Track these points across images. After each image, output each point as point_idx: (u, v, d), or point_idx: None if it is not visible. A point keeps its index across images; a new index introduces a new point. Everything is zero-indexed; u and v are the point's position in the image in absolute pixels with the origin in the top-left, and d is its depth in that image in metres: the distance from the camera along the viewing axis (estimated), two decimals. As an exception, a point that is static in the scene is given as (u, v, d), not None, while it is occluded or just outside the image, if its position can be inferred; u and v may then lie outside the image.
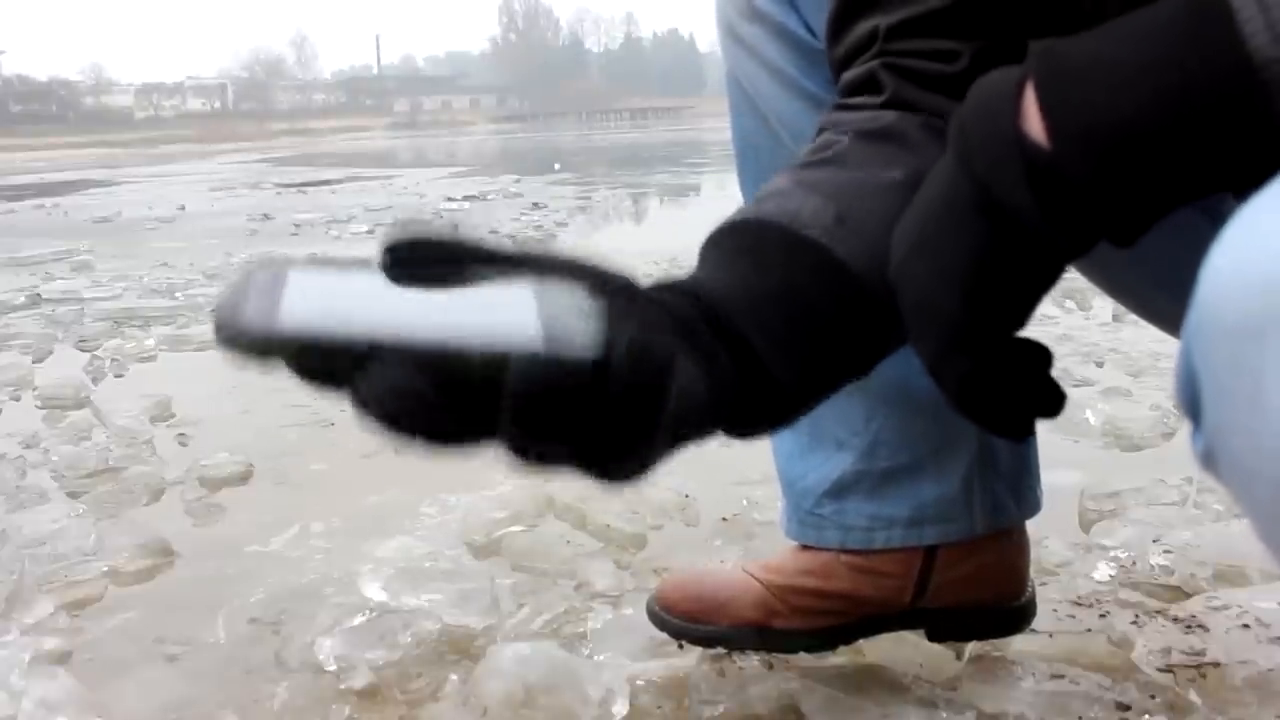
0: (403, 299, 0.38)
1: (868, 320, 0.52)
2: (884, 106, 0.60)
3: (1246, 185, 0.36)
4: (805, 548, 0.92)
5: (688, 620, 0.93)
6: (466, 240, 0.42)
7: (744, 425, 0.49)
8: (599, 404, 0.39)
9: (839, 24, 0.64)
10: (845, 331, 0.52)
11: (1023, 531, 0.91)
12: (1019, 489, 0.89)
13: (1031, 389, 0.47)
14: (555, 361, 0.37)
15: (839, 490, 0.88)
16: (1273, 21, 0.35)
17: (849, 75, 0.63)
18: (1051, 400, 0.48)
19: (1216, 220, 0.48)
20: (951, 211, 0.45)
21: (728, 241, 0.54)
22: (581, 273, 0.44)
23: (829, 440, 0.88)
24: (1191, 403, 0.37)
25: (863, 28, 0.62)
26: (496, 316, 0.38)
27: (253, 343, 0.35)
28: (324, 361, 0.36)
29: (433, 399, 0.37)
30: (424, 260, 0.40)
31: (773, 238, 0.53)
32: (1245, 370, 0.33)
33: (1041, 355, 0.47)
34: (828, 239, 0.53)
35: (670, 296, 0.47)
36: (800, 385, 0.51)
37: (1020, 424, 0.48)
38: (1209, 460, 0.37)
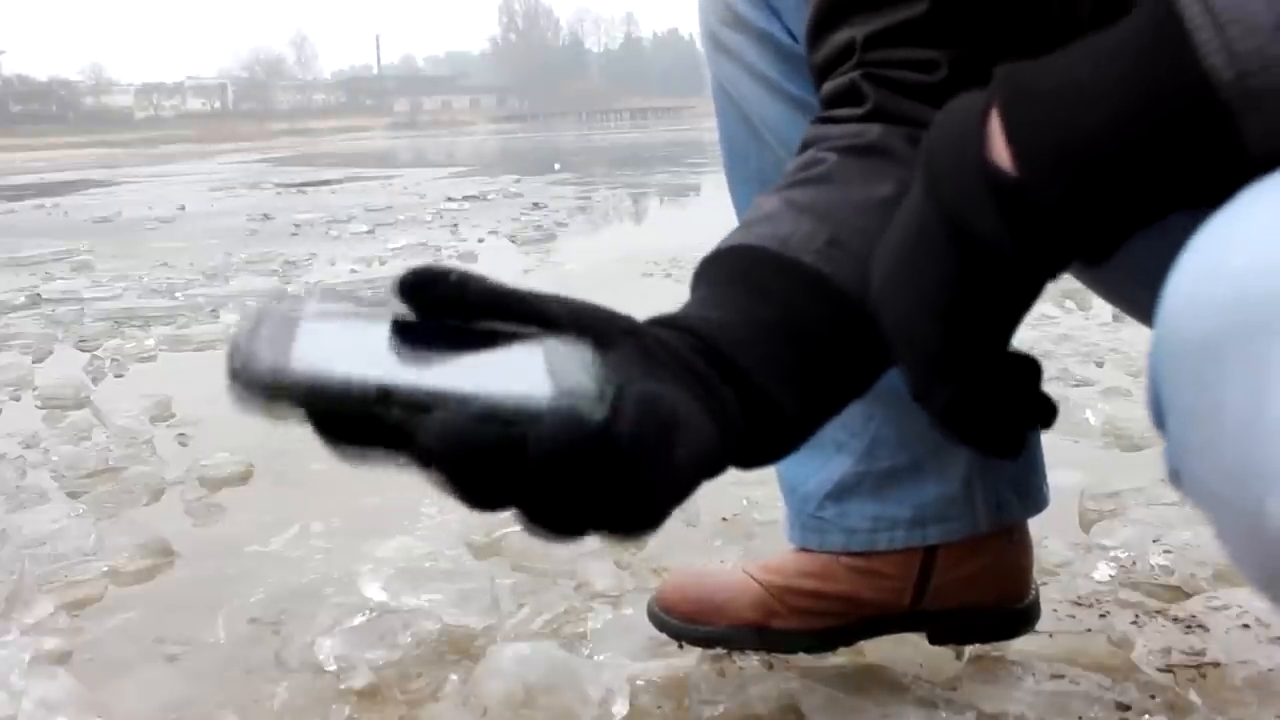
0: (412, 338, 0.37)
1: (865, 341, 0.51)
2: (866, 118, 0.60)
3: (1213, 202, 0.36)
4: (806, 549, 0.92)
5: (687, 621, 0.93)
6: (474, 285, 0.40)
7: (752, 460, 0.50)
8: (612, 459, 0.38)
9: (816, 31, 0.64)
10: (845, 354, 0.52)
11: (1026, 532, 0.91)
12: (1023, 485, 0.89)
13: (1019, 406, 0.47)
14: (571, 416, 0.36)
15: (840, 492, 0.88)
16: (1228, 41, 0.35)
17: (830, 86, 0.63)
18: (1042, 413, 0.48)
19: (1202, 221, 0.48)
20: (923, 240, 0.45)
21: (721, 270, 0.54)
22: (586, 321, 0.43)
23: (828, 443, 0.88)
24: (1159, 420, 0.37)
25: (840, 37, 0.62)
26: (506, 376, 0.37)
27: (263, 389, 0.35)
28: (336, 405, 0.35)
29: (463, 454, 0.36)
30: (432, 305, 0.39)
31: (766, 265, 0.53)
32: (1205, 389, 0.33)
33: (1029, 369, 0.47)
34: (821, 263, 0.53)
35: (670, 336, 0.47)
36: (805, 413, 0.51)
37: (1009, 442, 0.48)
38: (1175, 478, 0.37)
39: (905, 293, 0.47)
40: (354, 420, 0.36)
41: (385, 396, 0.35)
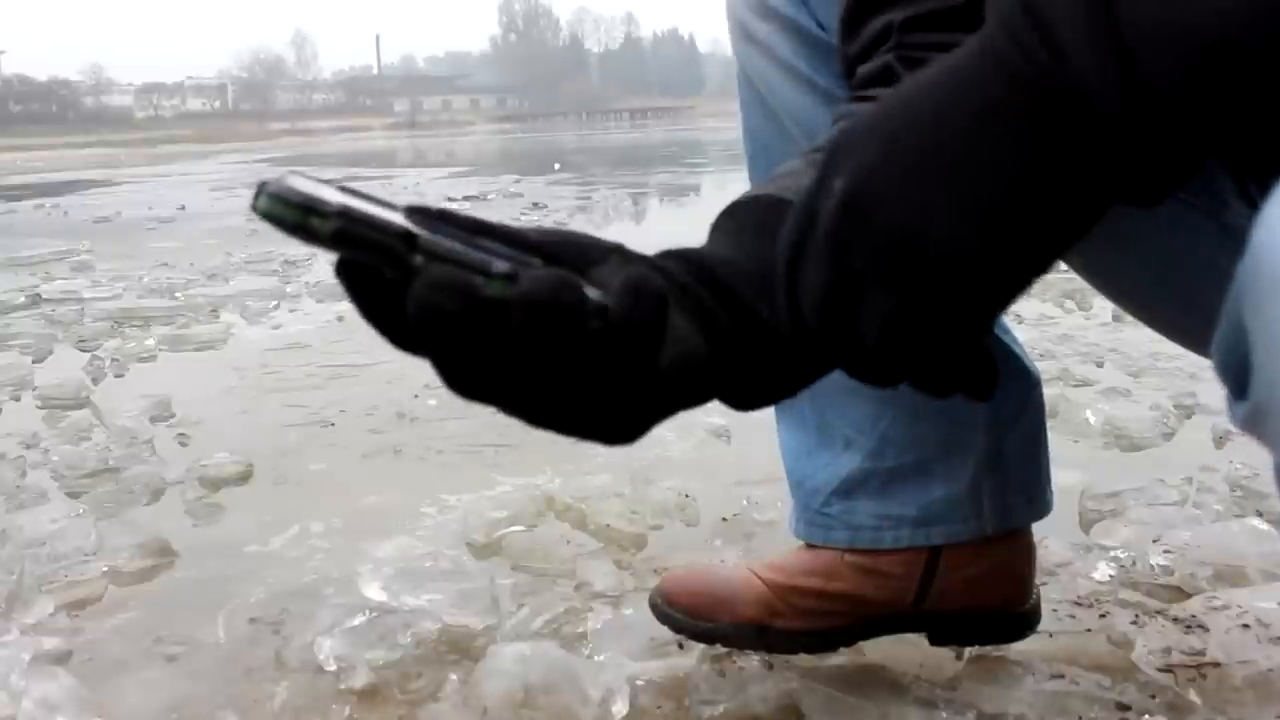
0: (428, 228, 0.39)
1: None
2: None
3: None
4: (811, 546, 0.92)
5: (689, 615, 0.93)
6: (470, 218, 0.41)
7: (744, 390, 0.47)
8: (599, 339, 0.38)
9: (852, 21, 0.63)
10: None
11: (1029, 536, 0.90)
12: (1030, 489, 0.89)
13: (964, 354, 0.43)
14: (562, 285, 0.38)
15: (847, 489, 0.88)
16: None
17: (864, 69, 0.62)
18: (983, 371, 0.44)
19: (1216, 219, 0.48)
20: (989, 119, 0.38)
21: (736, 218, 0.52)
22: (574, 246, 0.43)
23: (837, 439, 0.88)
24: (1238, 365, 0.36)
25: (876, 24, 0.61)
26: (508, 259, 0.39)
27: (299, 205, 0.35)
28: (366, 232, 0.36)
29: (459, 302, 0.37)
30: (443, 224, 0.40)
31: (782, 212, 0.52)
32: None
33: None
34: None
35: (668, 262, 0.46)
36: (802, 345, 0.47)
37: (942, 383, 0.44)
38: (1255, 421, 0.36)
39: (936, 185, 0.39)
40: (373, 254, 0.37)
41: (410, 239, 0.37)
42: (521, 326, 0.37)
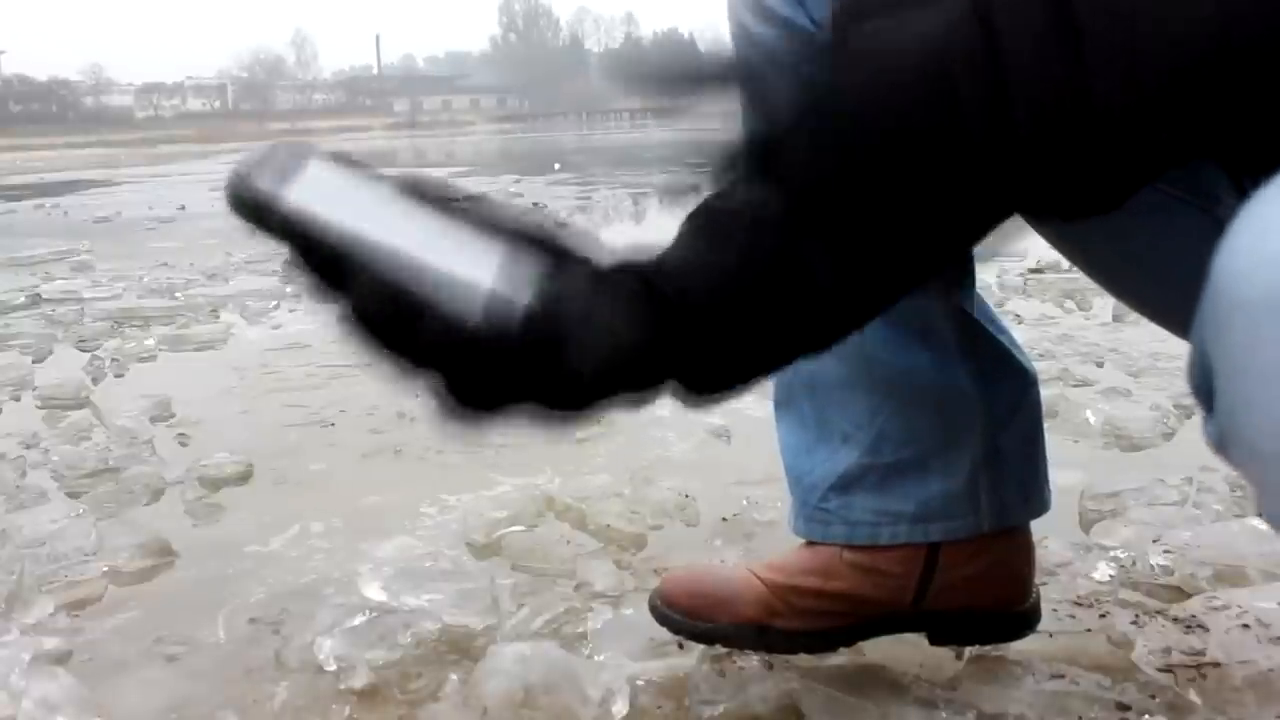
0: (399, 214, 0.41)
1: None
2: None
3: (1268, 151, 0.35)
4: (810, 544, 0.92)
5: (689, 616, 0.93)
6: (469, 196, 0.44)
7: (696, 379, 0.47)
8: (508, 349, 0.41)
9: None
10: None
11: (1028, 535, 0.90)
12: (1027, 487, 0.89)
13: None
14: (491, 299, 0.40)
15: (845, 484, 0.88)
16: None
17: None
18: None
19: (1209, 208, 0.49)
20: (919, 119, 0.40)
21: (696, 220, 0.53)
22: (550, 242, 0.45)
23: (835, 434, 0.88)
24: (1204, 385, 0.37)
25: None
26: (463, 257, 0.41)
27: (253, 208, 0.39)
28: (305, 246, 0.39)
29: (390, 314, 0.39)
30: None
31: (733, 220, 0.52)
32: (1263, 344, 0.33)
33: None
34: None
35: (624, 270, 0.47)
36: (740, 336, 0.47)
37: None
38: (1222, 443, 0.37)
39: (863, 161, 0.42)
40: (322, 260, 0.40)
41: (350, 250, 0.39)
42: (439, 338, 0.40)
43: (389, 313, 0.39)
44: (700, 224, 0.48)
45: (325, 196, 0.39)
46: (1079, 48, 0.37)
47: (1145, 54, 0.36)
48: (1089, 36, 0.37)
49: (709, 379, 0.48)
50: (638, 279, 0.46)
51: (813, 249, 0.43)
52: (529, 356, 0.41)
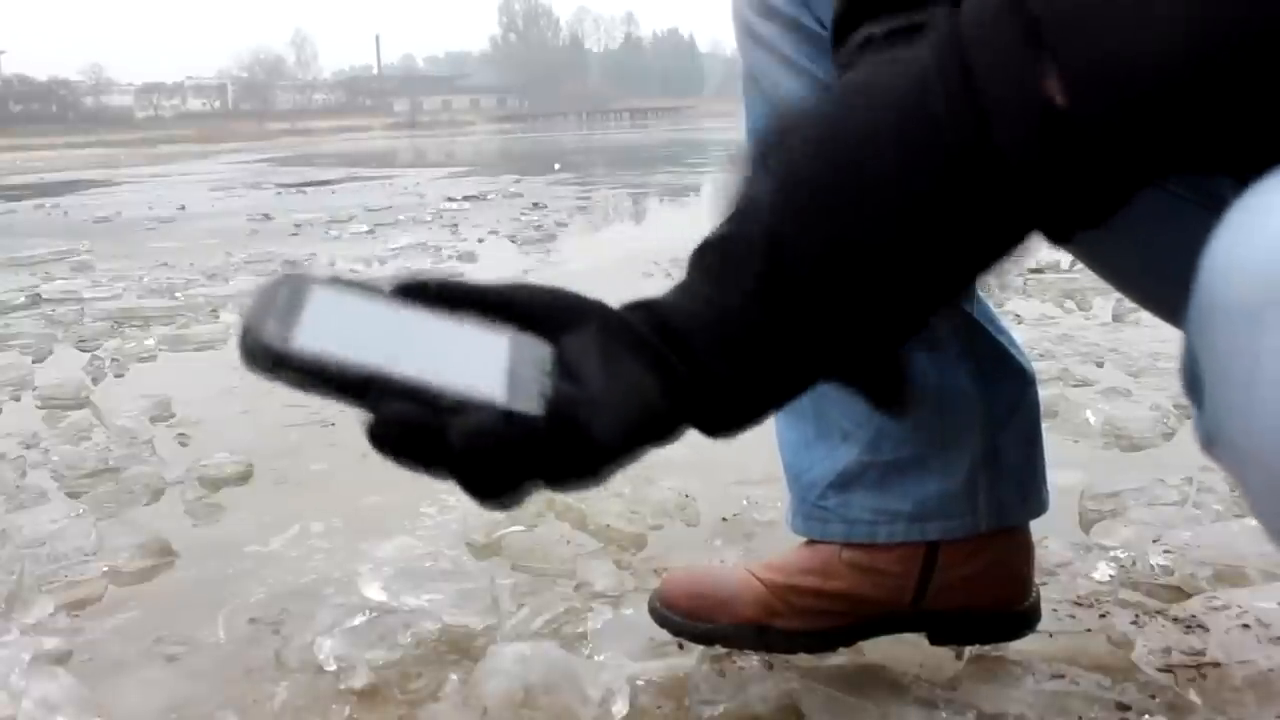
0: (405, 334, 0.43)
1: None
2: None
3: (1252, 160, 0.36)
4: (809, 544, 0.92)
5: (688, 617, 0.93)
6: (453, 286, 0.46)
7: (712, 424, 0.49)
8: (532, 444, 0.42)
9: (840, 31, 0.64)
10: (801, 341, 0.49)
11: (1027, 534, 0.91)
12: (1025, 487, 0.89)
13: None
14: (508, 417, 0.41)
15: (843, 482, 0.88)
16: None
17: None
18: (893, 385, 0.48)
19: (1213, 207, 0.49)
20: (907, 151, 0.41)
21: (703, 258, 0.53)
22: (555, 311, 0.46)
23: (834, 432, 0.88)
24: (1193, 386, 0.37)
25: (859, 36, 0.62)
26: (472, 361, 0.43)
27: (266, 362, 0.40)
28: (327, 388, 0.41)
29: (412, 438, 0.41)
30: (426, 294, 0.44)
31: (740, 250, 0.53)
32: (1242, 352, 0.33)
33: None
34: None
35: (633, 315, 0.48)
36: (746, 385, 0.49)
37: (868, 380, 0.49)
38: (1209, 443, 0.37)
39: (852, 213, 0.42)
40: (342, 396, 0.42)
41: (368, 383, 0.41)
42: (463, 453, 0.42)
43: (411, 437, 0.41)
44: (707, 264, 0.49)
45: (333, 332, 0.41)
46: (1051, 65, 0.37)
47: (1115, 70, 0.37)
48: (1059, 54, 0.37)
49: (725, 422, 0.50)
50: (644, 341, 0.46)
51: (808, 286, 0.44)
52: (552, 450, 0.43)
